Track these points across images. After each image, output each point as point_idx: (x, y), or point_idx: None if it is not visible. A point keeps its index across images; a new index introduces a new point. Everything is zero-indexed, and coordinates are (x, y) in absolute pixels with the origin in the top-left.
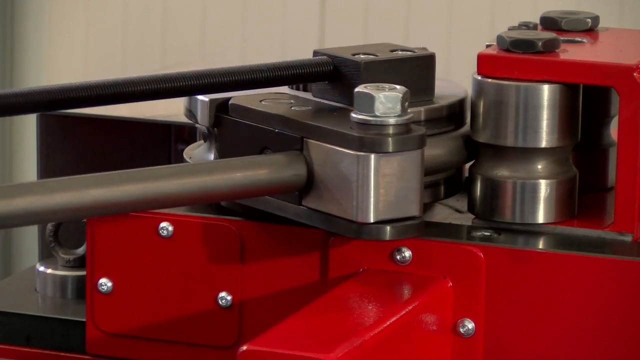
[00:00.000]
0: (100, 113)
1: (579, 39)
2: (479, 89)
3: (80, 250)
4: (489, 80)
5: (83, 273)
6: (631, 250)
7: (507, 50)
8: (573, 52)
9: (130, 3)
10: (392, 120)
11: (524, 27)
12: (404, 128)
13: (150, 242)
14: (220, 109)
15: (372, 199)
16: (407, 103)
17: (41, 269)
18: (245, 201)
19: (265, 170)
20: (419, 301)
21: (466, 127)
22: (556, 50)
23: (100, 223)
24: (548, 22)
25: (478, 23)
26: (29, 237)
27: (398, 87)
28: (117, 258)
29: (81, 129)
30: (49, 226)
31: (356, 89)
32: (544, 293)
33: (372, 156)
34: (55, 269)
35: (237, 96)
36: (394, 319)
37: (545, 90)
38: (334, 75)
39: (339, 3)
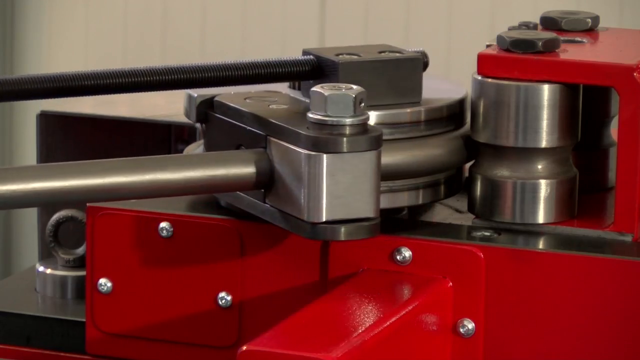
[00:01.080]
0: (100, 113)
1: (579, 39)
2: (479, 89)
3: (80, 250)
4: (489, 80)
5: (83, 273)
6: (631, 250)
7: (507, 50)
8: (573, 52)
9: (130, 3)
10: (344, 121)
11: (524, 27)
12: (359, 128)
13: (150, 242)
14: (208, 106)
15: (323, 199)
16: (362, 104)
17: (41, 269)
18: (222, 196)
19: (224, 166)
20: (419, 301)
21: (466, 127)
22: (556, 50)
23: (101, 223)
24: (548, 22)
25: (478, 23)
26: (29, 237)
27: (354, 87)
28: (117, 258)
29: (81, 129)
30: (49, 226)
31: (311, 89)
32: (544, 293)
33: (324, 156)
34: (55, 269)
35: (223, 93)
36: (394, 319)
37: (545, 90)
38: (318, 75)
39: (339, 3)
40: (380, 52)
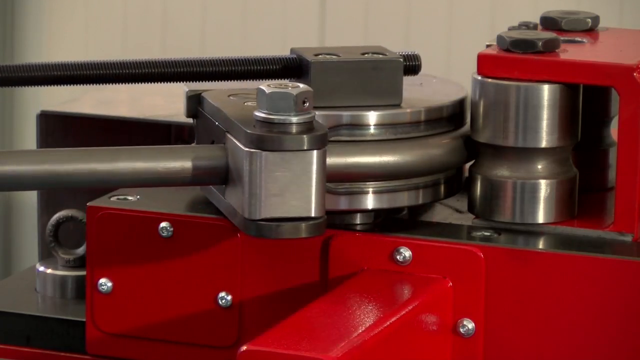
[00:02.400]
0: (100, 113)
1: (579, 39)
2: (479, 89)
3: (80, 250)
4: (489, 80)
5: (83, 273)
6: (631, 250)
7: (507, 50)
8: (573, 52)
9: (130, 3)
10: (287, 119)
11: (524, 27)
12: (302, 127)
13: (150, 242)
14: (197, 101)
15: (262, 197)
16: (306, 103)
17: (41, 269)
18: (202, 191)
19: (180, 159)
20: (419, 301)
21: (466, 127)
22: (556, 50)
23: (101, 223)
24: (548, 22)
25: (478, 23)
26: (29, 237)
27: (301, 86)
28: (117, 258)
29: (81, 129)
30: (49, 226)
31: (258, 86)
32: (544, 293)
33: (263, 154)
34: (55, 269)
35: (212, 90)
36: (394, 319)
37: (545, 90)
38: (298, 74)
39: (339, 3)
40: (363, 54)
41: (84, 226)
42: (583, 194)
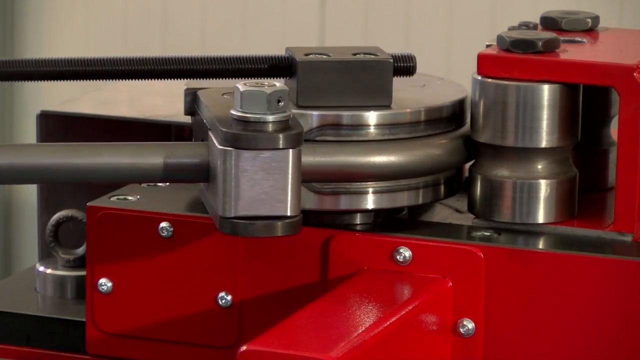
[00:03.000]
0: (100, 113)
1: (579, 39)
2: (479, 89)
3: (80, 250)
4: (489, 80)
5: (83, 273)
6: (631, 250)
7: (507, 50)
8: (573, 52)
9: (130, 3)
10: (261, 118)
11: (524, 27)
12: (277, 126)
13: (150, 242)
14: (194, 99)
15: (233, 195)
16: (281, 102)
17: (41, 269)
18: (198, 190)
19: (158, 157)
20: (419, 301)
21: (466, 127)
22: (556, 50)
23: (101, 223)
24: (548, 22)
25: (478, 23)
26: (29, 237)
27: (277, 84)
28: (117, 258)
29: (81, 129)
30: (49, 226)
31: (235, 85)
32: (544, 293)
33: (235, 152)
34: (55, 269)
35: (208, 88)
36: (394, 319)
37: (545, 90)
38: (289, 73)
39: (339, 3)
40: (355, 54)
41: (84, 226)
42: (583, 194)
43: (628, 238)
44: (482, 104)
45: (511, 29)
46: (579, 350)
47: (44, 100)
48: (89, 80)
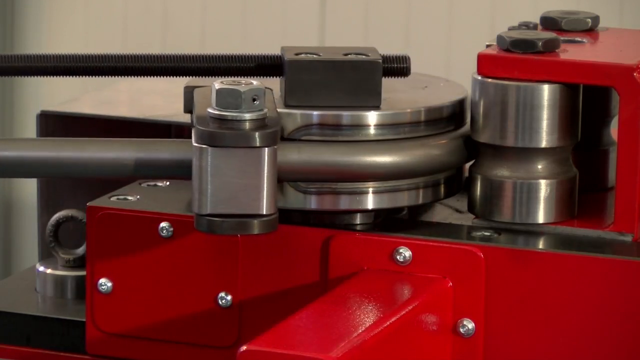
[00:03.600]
0: (100, 113)
1: (579, 39)
2: (479, 89)
3: (80, 250)
4: (489, 80)
5: (83, 273)
6: (631, 250)
7: (507, 50)
8: (573, 52)
9: (130, 3)
10: (236, 116)
11: (524, 27)
12: (252, 124)
13: (150, 242)
14: (192, 97)
15: (208, 192)
16: (256, 101)
17: (41, 269)
18: None
19: (144, 152)
20: (419, 301)
21: (466, 127)
22: (556, 50)
23: (101, 223)
24: (548, 22)
25: (478, 23)
26: (29, 237)
27: (255, 82)
28: (117, 258)
29: (81, 129)
30: (49, 226)
31: (212, 83)
32: (544, 293)
33: (210, 149)
34: (55, 269)
35: (204, 86)
36: (394, 319)
37: (545, 90)
38: (280, 72)
39: (339, 3)
40: (346, 54)
41: (84, 226)
42: (583, 194)
43: (628, 238)
44: (482, 104)
45: (511, 29)
46: (579, 350)
47: (44, 100)
48: (75, 76)
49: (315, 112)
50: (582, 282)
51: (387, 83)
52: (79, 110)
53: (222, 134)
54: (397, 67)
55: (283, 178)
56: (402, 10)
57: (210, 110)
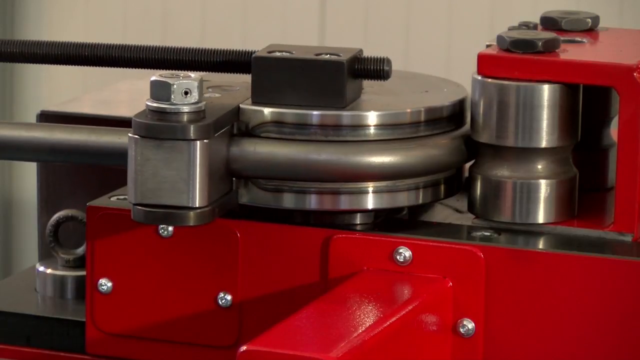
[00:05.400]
0: (100, 113)
1: (579, 39)
2: (479, 89)
3: (80, 250)
4: (489, 80)
5: (83, 273)
6: (631, 250)
7: (507, 50)
8: (573, 52)
9: (130, 3)
10: (170, 108)
11: (524, 27)
12: (188, 117)
13: (150, 242)
14: None
15: (136, 182)
16: (189, 94)
17: (41, 269)
18: None
19: (84, 136)
20: (419, 301)
21: (466, 127)
22: (556, 50)
23: (101, 223)
24: (548, 22)
25: (478, 23)
26: (29, 237)
27: (193, 76)
28: (117, 258)
29: None
30: (49, 226)
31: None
32: (544, 293)
33: (139, 140)
34: (55, 269)
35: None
36: (394, 319)
37: (545, 90)
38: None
39: (339, 3)
40: (317, 54)
41: (84, 226)
42: (583, 194)
43: (628, 238)
44: (482, 104)
45: (511, 29)
46: (579, 350)
47: (44, 100)
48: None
49: (272, 110)
50: (582, 282)
51: (388, 83)
52: (79, 110)
53: (151, 125)
54: (374, 69)
55: (238, 173)
56: (402, 10)
57: (147, 102)
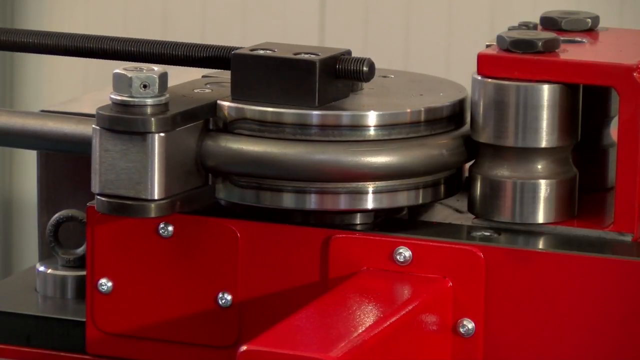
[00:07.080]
0: None
1: (579, 39)
2: (479, 89)
3: (80, 250)
4: (489, 80)
5: (83, 273)
6: (631, 250)
7: (507, 50)
8: (573, 52)
9: (130, 3)
10: (125, 101)
11: (524, 27)
12: (140, 110)
13: (150, 242)
14: None
15: (97, 172)
16: (147, 87)
17: (41, 269)
18: None
19: (55, 124)
20: (419, 301)
21: (466, 127)
22: (556, 50)
23: (101, 223)
24: (548, 22)
25: (478, 23)
26: (29, 237)
27: (156, 69)
28: (117, 258)
29: None
30: (49, 226)
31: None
32: (544, 293)
33: (100, 131)
34: (55, 269)
35: (199, 78)
36: (394, 319)
37: (545, 90)
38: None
39: (339, 3)
40: (296, 53)
41: (84, 226)
42: (583, 194)
43: (628, 238)
44: (482, 104)
45: (511, 29)
46: (578, 350)
47: (44, 100)
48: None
49: (246, 107)
50: (582, 282)
51: (388, 83)
52: (78, 110)
53: (110, 118)
54: (353, 69)
55: (211, 168)
56: (402, 10)
57: (110, 95)
